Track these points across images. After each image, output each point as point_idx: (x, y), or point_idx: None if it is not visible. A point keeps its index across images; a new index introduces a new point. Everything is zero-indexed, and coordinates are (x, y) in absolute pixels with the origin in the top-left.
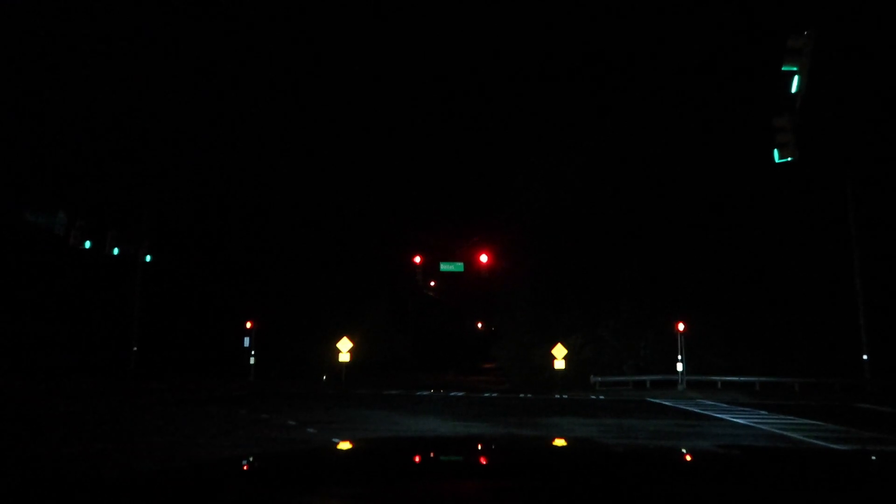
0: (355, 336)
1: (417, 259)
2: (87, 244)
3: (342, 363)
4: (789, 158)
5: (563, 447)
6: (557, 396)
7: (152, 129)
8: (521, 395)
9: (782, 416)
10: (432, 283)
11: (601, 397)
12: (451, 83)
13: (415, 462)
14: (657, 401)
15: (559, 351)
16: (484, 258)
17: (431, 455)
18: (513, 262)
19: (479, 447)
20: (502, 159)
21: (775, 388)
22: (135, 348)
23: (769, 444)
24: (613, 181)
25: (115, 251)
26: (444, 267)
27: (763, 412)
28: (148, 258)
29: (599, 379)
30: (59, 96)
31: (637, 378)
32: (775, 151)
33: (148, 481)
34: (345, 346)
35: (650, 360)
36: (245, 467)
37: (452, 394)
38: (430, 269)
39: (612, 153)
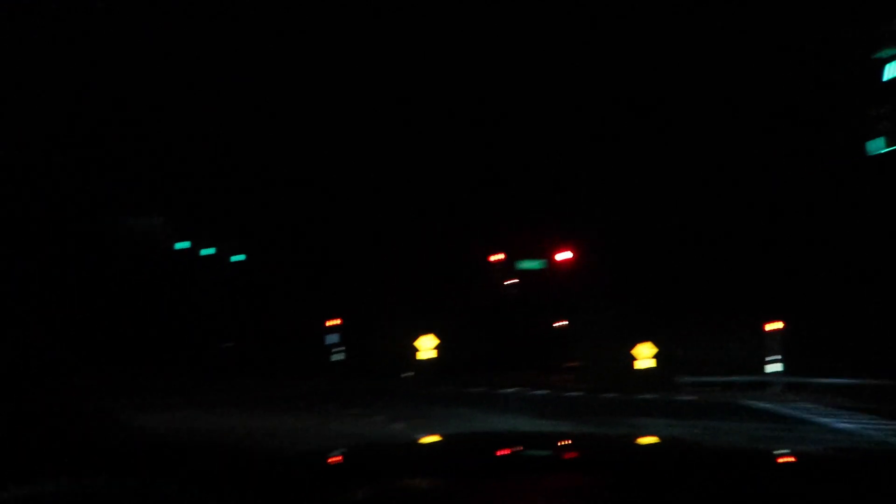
0: (436, 334)
1: (496, 256)
2: (183, 244)
3: (425, 360)
4: (894, 147)
5: (653, 445)
6: (643, 397)
7: (242, 132)
8: (605, 395)
9: (892, 422)
10: (512, 281)
11: (689, 398)
12: (527, 77)
13: (501, 456)
14: (750, 403)
15: (644, 350)
16: (564, 255)
17: (517, 450)
18: (594, 259)
19: (566, 443)
20: (582, 155)
21: (883, 392)
22: (228, 345)
23: (877, 448)
24: (695, 176)
25: (209, 251)
26: (523, 264)
27: (869, 417)
28: (239, 258)
29: (687, 379)
30: (153, 103)
31: (728, 379)
32: (873, 142)
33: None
34: (427, 344)
35: (742, 359)
36: (339, 459)
37: (535, 392)
38: (508, 266)
39: (693, 148)
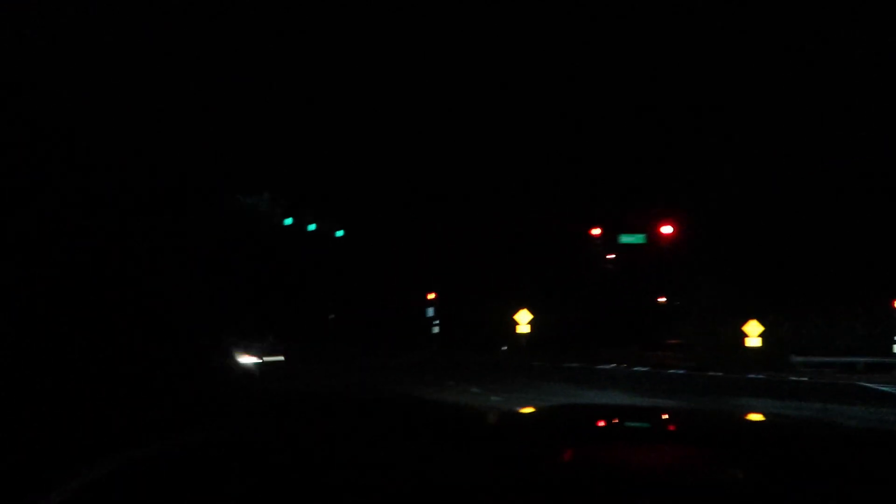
0: (533, 308)
1: (596, 231)
2: (289, 221)
3: (521, 335)
4: None
5: (759, 421)
6: (751, 376)
7: (342, 112)
8: (710, 374)
9: None
10: (611, 256)
11: (802, 379)
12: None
13: (600, 426)
14: (871, 385)
15: (753, 328)
16: (667, 229)
17: (616, 421)
18: (699, 234)
19: (667, 416)
20: (687, 127)
21: None
22: (331, 316)
23: None
24: (813, 143)
25: (312, 227)
26: (624, 239)
27: None
28: (340, 233)
29: (800, 359)
30: (261, 87)
31: (845, 360)
32: None
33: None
34: (523, 318)
35: (862, 340)
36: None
37: (635, 369)
38: (608, 240)
39: (811, 115)
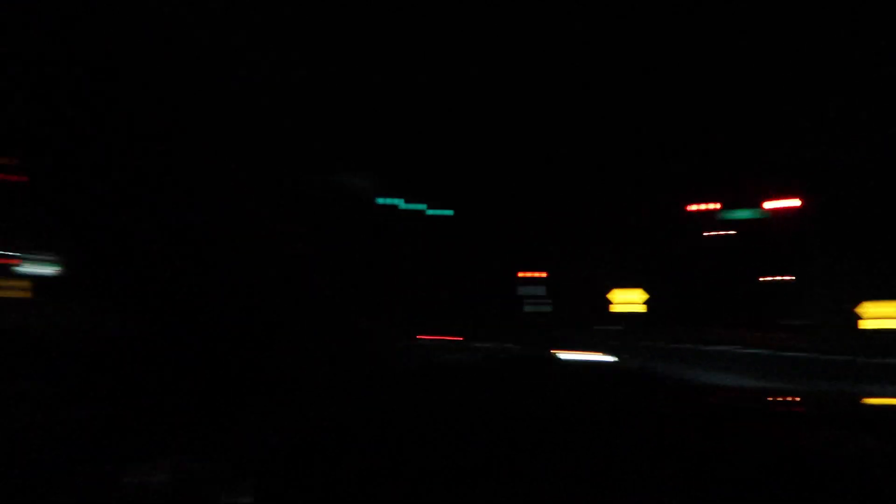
0: (640, 287)
1: (708, 206)
2: (395, 201)
3: (624, 313)
4: None
5: (885, 406)
6: (882, 361)
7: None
8: (834, 357)
9: None
10: (724, 232)
11: None
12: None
13: (711, 404)
14: None
15: (887, 308)
16: (787, 202)
17: (728, 400)
18: (824, 205)
19: (784, 399)
20: (804, 82)
21: None
22: (443, 296)
23: None
24: None
25: (421, 207)
26: (738, 214)
27: None
28: (449, 213)
29: None
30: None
31: None
32: None
33: None
34: (627, 297)
35: None
36: None
37: (748, 350)
38: (721, 216)
39: None
